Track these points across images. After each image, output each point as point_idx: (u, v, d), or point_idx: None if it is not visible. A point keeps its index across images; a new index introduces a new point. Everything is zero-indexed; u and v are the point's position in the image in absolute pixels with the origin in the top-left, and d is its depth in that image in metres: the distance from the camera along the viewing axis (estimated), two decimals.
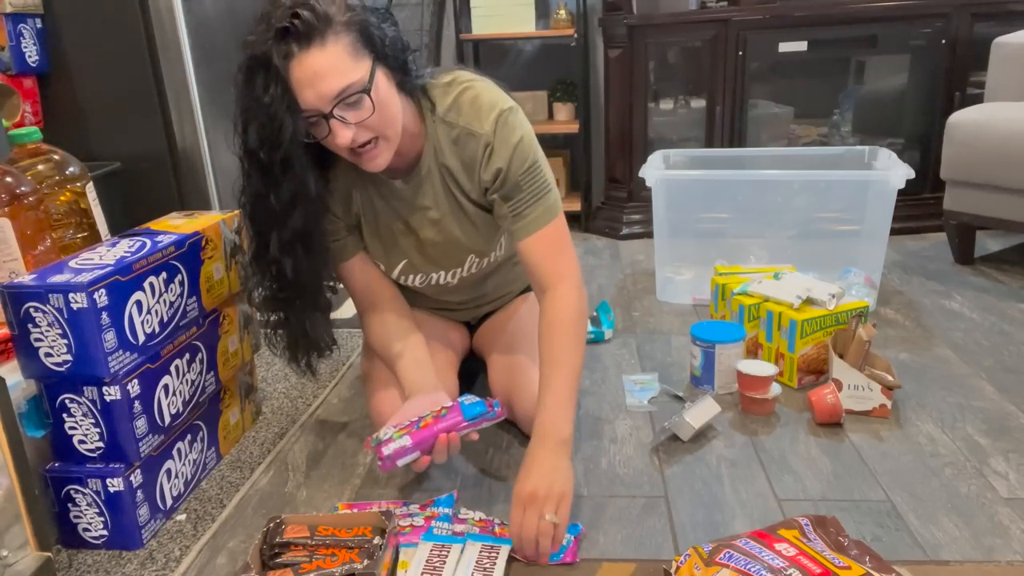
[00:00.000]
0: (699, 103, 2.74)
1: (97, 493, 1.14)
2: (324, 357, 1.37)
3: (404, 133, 1.18)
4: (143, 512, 1.17)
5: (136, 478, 1.15)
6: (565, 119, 2.94)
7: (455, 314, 1.53)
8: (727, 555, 0.96)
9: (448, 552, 1.08)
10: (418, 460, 1.17)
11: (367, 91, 1.06)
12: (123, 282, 1.13)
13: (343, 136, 1.08)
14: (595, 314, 1.94)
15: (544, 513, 1.07)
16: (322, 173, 1.21)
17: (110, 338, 1.09)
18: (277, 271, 1.21)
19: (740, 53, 2.59)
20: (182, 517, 1.25)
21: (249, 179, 1.15)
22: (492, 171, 1.21)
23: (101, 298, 1.07)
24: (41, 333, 1.08)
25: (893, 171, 1.86)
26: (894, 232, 1.99)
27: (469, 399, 1.24)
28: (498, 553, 1.08)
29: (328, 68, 1.04)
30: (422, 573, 1.05)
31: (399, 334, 1.35)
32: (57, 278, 1.07)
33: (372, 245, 1.35)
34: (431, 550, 1.09)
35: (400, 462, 1.16)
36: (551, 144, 3.00)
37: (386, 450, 1.15)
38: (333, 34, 1.04)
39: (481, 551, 1.09)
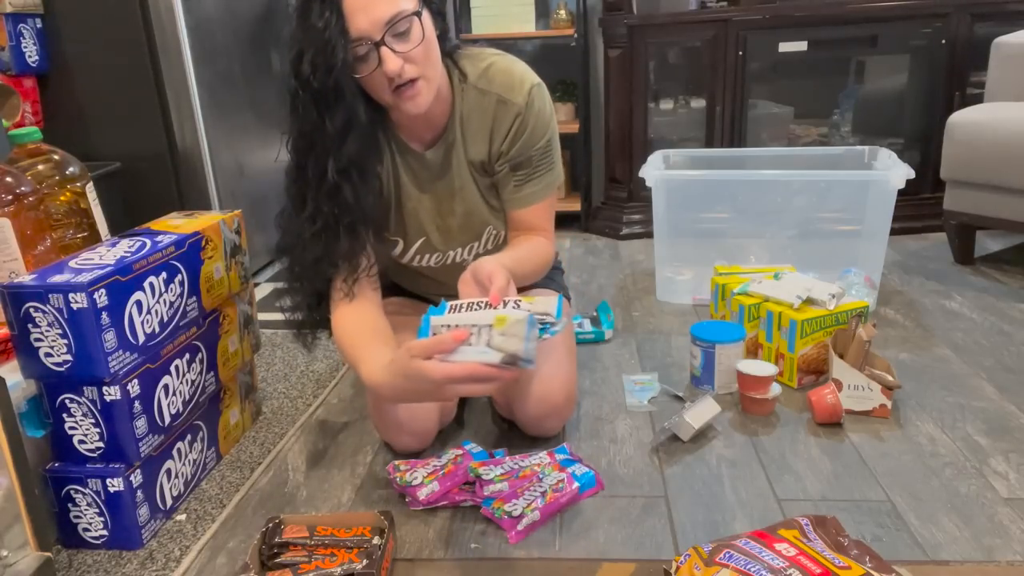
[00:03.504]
0: (699, 103, 2.74)
1: (97, 493, 1.14)
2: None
3: (438, 94, 1.22)
4: (143, 512, 1.17)
5: (136, 478, 1.15)
6: (565, 119, 2.94)
7: None
8: (727, 555, 0.96)
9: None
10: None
11: (418, 15, 1.11)
12: (123, 282, 1.13)
13: (391, 64, 1.10)
14: (595, 314, 1.94)
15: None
16: (375, 111, 1.21)
17: (110, 338, 1.09)
18: (337, 197, 1.19)
19: (740, 53, 2.59)
20: (182, 517, 1.25)
21: (303, 111, 1.16)
22: (515, 142, 1.26)
23: (101, 298, 1.07)
24: (41, 333, 1.08)
25: (893, 171, 1.86)
26: (894, 232, 1.99)
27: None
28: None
29: None
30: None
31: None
32: (57, 278, 1.07)
33: (393, 220, 1.34)
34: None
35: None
36: None
37: (421, 495, 1.22)
38: None
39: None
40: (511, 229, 1.36)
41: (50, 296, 1.06)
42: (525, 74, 1.28)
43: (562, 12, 2.82)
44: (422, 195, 1.32)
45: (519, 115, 1.26)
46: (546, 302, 1.05)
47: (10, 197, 1.22)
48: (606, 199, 2.91)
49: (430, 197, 1.33)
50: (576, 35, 2.76)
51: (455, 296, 1.12)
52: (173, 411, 1.23)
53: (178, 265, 1.26)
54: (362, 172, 1.21)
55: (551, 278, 1.56)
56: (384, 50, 1.10)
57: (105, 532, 1.16)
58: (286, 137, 1.21)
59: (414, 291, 1.52)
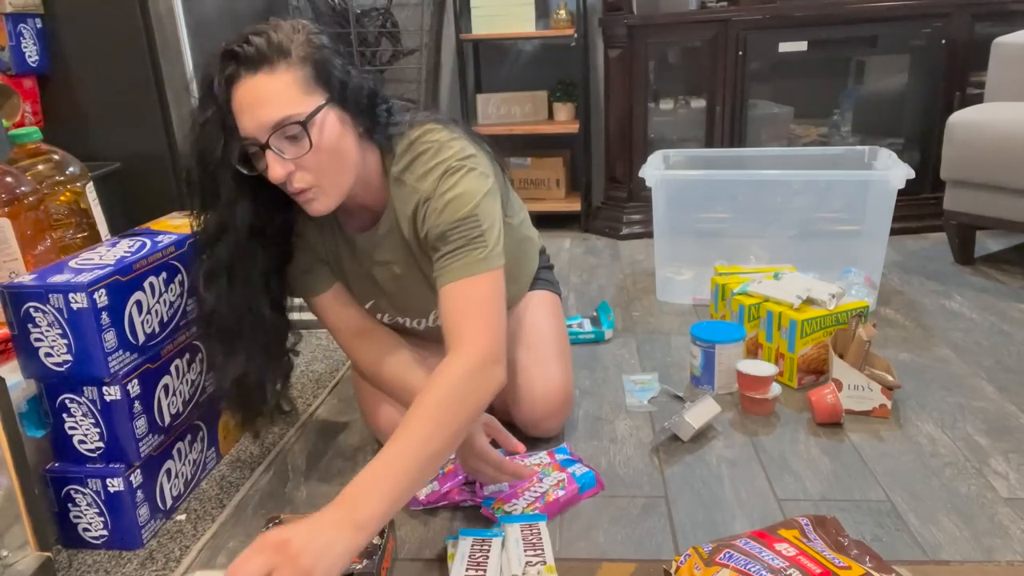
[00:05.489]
0: (699, 103, 2.74)
1: (97, 493, 1.14)
2: (264, 420, 1.28)
3: (366, 187, 1.15)
4: (143, 512, 1.17)
5: (136, 478, 1.15)
6: (565, 119, 2.94)
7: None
8: (727, 555, 0.96)
9: (489, 546, 1.07)
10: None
11: (304, 124, 1.01)
12: (123, 282, 1.13)
13: (276, 171, 1.02)
14: (595, 314, 1.94)
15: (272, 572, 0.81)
16: (271, 208, 1.14)
17: (110, 338, 1.09)
18: (200, 304, 1.16)
19: (740, 53, 2.59)
20: (182, 517, 1.25)
21: (189, 199, 1.13)
22: (427, 224, 1.13)
23: (101, 298, 1.07)
24: (41, 333, 1.08)
25: (893, 171, 1.86)
26: (894, 232, 1.99)
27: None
28: (539, 530, 1.09)
29: (271, 96, 1.00)
30: (466, 570, 1.03)
31: (392, 350, 1.27)
32: (57, 278, 1.07)
33: (339, 283, 1.29)
34: (471, 544, 1.07)
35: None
36: (551, 144, 3.00)
37: (421, 494, 1.23)
38: (285, 64, 1.00)
39: (522, 530, 1.08)
40: (441, 317, 1.11)
41: (50, 296, 1.06)
42: (445, 157, 1.12)
43: (562, 12, 2.82)
44: (361, 270, 1.25)
45: (426, 200, 1.12)
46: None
47: (10, 197, 1.22)
48: (606, 199, 2.91)
49: (367, 274, 1.25)
50: (576, 35, 2.76)
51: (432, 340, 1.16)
52: (173, 411, 1.23)
53: (178, 265, 1.26)
54: (232, 279, 1.13)
55: (541, 276, 1.53)
56: (269, 154, 1.01)
57: (105, 532, 1.16)
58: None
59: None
